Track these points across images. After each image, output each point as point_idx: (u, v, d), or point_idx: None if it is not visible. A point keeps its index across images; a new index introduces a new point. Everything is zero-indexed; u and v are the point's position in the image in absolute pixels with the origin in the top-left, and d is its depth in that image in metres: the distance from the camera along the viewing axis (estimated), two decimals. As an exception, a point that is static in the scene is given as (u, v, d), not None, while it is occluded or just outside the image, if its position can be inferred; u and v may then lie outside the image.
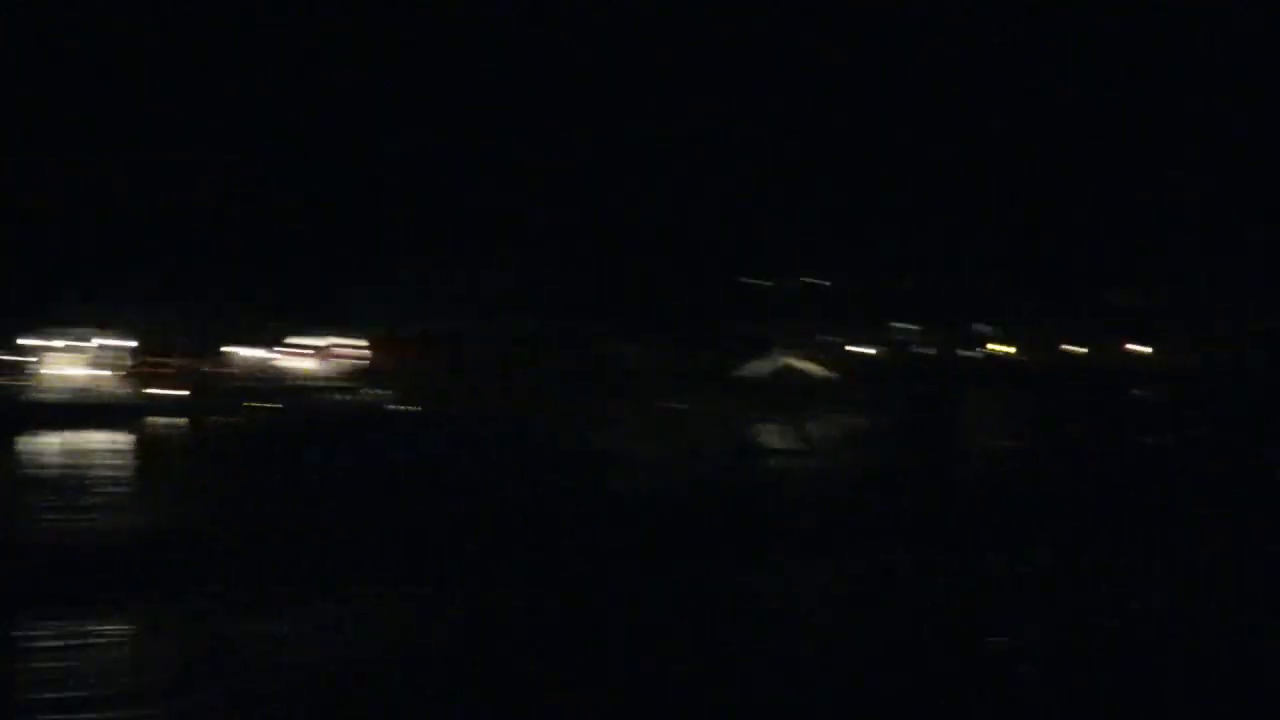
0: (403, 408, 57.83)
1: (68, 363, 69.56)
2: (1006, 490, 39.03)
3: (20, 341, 69.24)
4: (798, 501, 37.13)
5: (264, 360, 73.66)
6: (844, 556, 30.30)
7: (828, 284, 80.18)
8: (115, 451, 46.80)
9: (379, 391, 63.35)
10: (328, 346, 75.09)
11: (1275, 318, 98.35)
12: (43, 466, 42.32)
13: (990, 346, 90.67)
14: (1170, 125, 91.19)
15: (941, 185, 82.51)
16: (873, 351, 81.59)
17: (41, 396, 61.59)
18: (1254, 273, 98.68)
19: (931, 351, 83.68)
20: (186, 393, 63.30)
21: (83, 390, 63.97)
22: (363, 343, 74.63)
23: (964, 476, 43.29)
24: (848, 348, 79.58)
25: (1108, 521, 33.91)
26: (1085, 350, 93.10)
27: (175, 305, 70.85)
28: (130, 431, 52.32)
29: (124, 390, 65.15)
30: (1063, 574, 28.94)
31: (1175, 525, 33.55)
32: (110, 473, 40.36)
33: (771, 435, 55.54)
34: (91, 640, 23.09)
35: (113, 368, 69.33)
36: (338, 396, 63.19)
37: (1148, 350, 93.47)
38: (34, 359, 68.46)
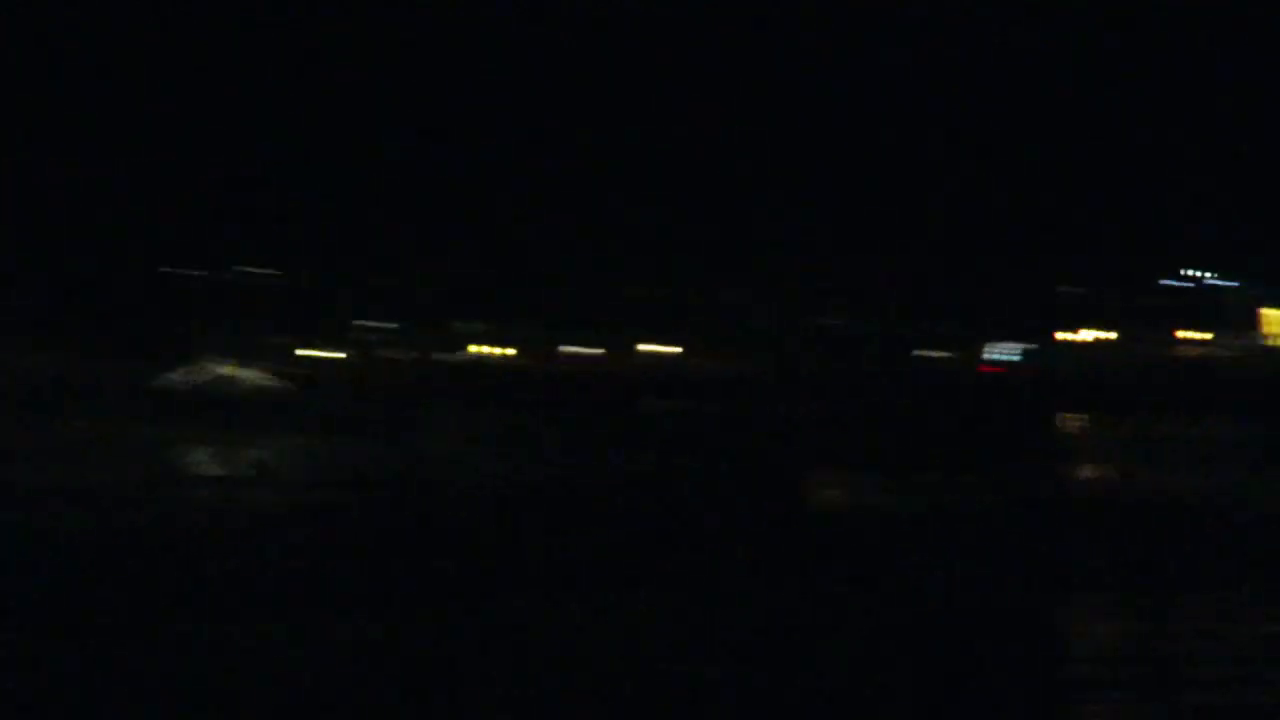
0: None
1: None
2: (450, 536, 31.92)
3: None
4: (220, 552, 30.13)
5: None
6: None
7: (277, 275, 71.56)
8: None
9: None
10: None
11: (827, 314, 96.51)
12: None
13: (478, 348, 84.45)
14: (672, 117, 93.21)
15: (421, 165, 77.94)
16: (336, 356, 73.76)
17: None
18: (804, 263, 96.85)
19: (407, 356, 76.58)
20: None
21: None
22: None
23: (422, 517, 36.05)
24: (302, 352, 71.51)
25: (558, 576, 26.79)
26: (599, 352, 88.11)
27: None
28: None
29: None
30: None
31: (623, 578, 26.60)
32: None
33: (203, 460, 48.88)
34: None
35: None
36: None
37: (676, 350, 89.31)
38: None
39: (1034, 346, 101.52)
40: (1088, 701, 17.33)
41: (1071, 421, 69.29)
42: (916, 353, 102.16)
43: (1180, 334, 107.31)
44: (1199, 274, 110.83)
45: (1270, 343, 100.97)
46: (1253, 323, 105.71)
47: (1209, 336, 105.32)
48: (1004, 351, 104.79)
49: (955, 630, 20.86)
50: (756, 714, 17.28)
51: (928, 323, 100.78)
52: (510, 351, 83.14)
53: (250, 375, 64.15)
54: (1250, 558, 26.38)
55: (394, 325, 75.53)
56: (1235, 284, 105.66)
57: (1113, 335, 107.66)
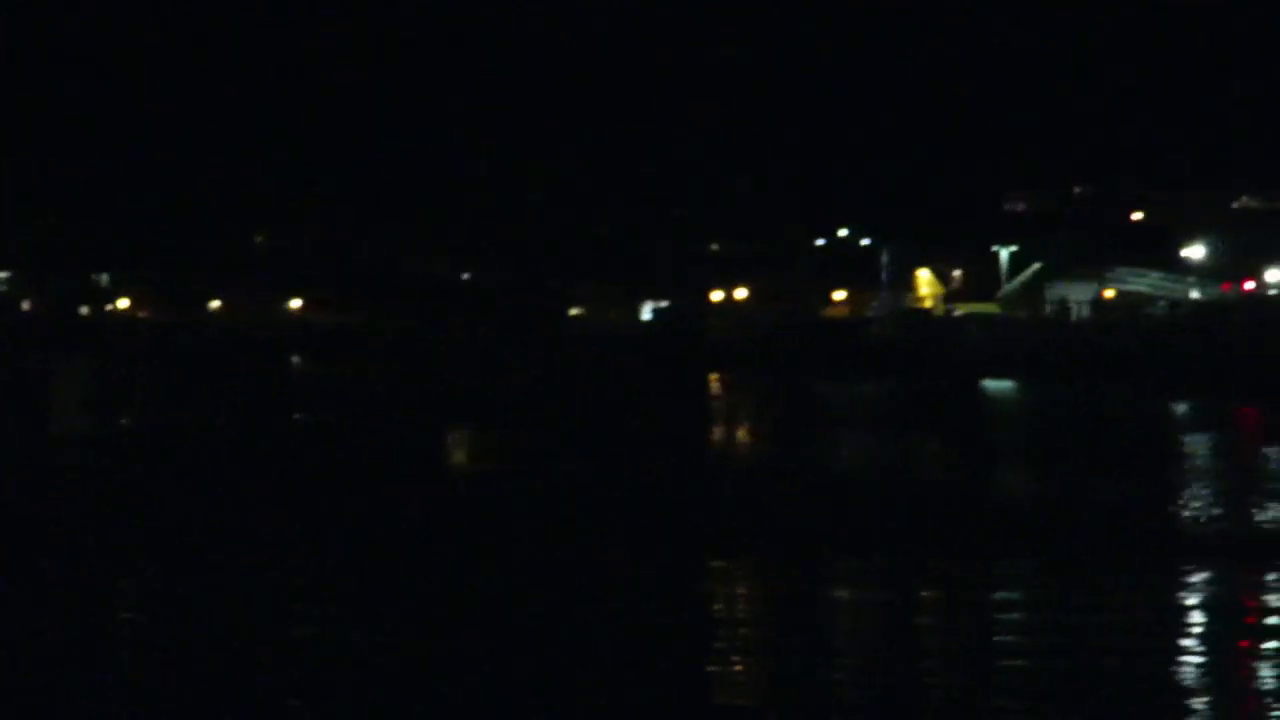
0: None
1: None
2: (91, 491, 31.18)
3: None
4: None
5: None
6: None
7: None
8: None
9: None
10: None
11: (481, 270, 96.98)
12: None
13: (119, 304, 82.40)
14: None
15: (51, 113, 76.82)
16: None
17: None
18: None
19: (25, 308, 74.48)
20: None
21: None
22: None
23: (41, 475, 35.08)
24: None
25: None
26: (232, 307, 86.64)
27: None
28: None
29: None
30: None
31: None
32: None
33: None
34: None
35: None
36: None
37: (301, 305, 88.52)
38: None
39: (669, 304, 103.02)
40: (717, 666, 17.67)
41: (716, 381, 70.51)
42: (571, 311, 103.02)
43: (831, 294, 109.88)
44: (852, 234, 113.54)
45: (922, 304, 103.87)
46: (906, 284, 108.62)
47: (855, 297, 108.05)
48: (654, 310, 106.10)
49: (588, 597, 21.04)
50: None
51: (583, 279, 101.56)
52: (149, 308, 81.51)
53: None
54: (888, 522, 26.91)
55: (12, 274, 73.38)
56: (890, 244, 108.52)
57: (762, 294, 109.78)
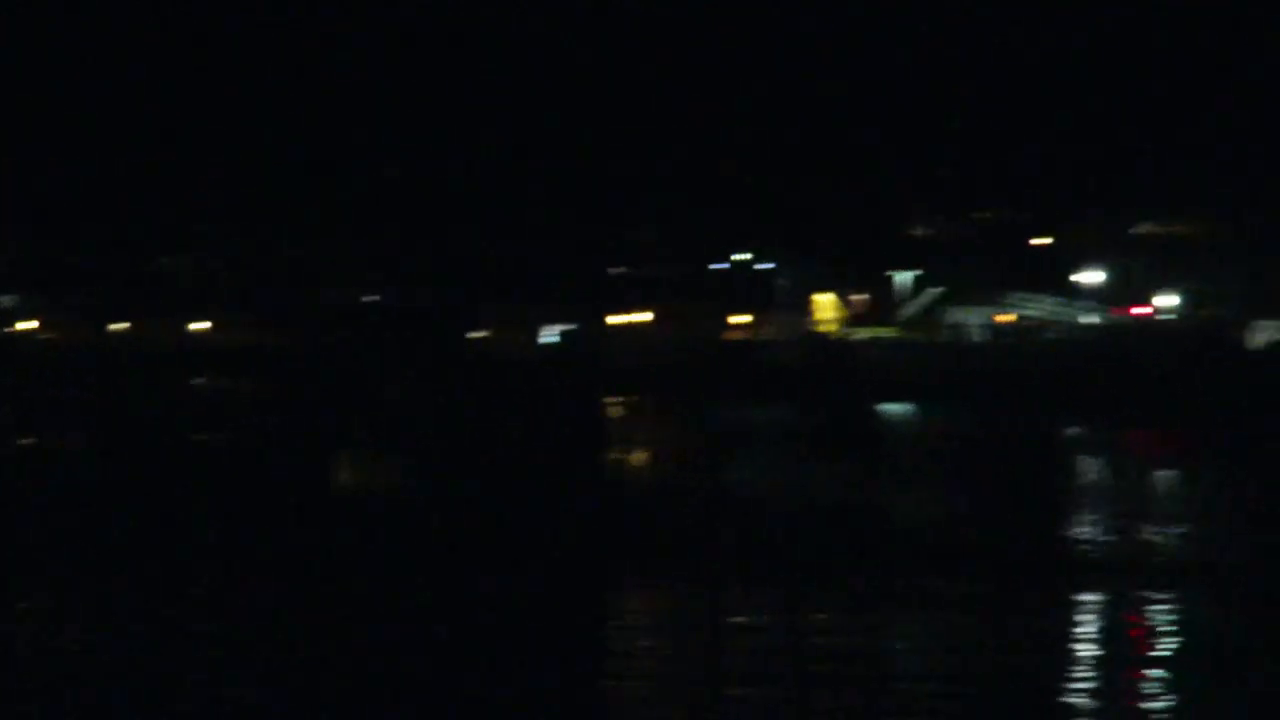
0: None
1: None
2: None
3: None
4: None
5: None
6: None
7: None
8: None
9: None
10: None
11: (372, 290, 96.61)
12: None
13: (19, 325, 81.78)
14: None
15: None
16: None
17: None
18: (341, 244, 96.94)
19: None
20: None
21: None
22: None
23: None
24: None
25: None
26: (131, 328, 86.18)
27: None
28: None
29: None
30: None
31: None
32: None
33: None
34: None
35: None
36: None
37: (207, 327, 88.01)
38: None
39: (574, 327, 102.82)
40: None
41: (614, 406, 70.50)
42: (469, 334, 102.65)
43: (731, 318, 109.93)
44: (749, 258, 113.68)
45: (820, 328, 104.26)
46: (803, 307, 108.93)
47: (755, 320, 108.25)
48: (551, 334, 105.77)
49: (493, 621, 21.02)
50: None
51: (480, 302, 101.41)
52: (48, 328, 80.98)
53: None
54: (781, 545, 26.96)
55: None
56: (788, 268, 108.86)
57: (662, 317, 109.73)
